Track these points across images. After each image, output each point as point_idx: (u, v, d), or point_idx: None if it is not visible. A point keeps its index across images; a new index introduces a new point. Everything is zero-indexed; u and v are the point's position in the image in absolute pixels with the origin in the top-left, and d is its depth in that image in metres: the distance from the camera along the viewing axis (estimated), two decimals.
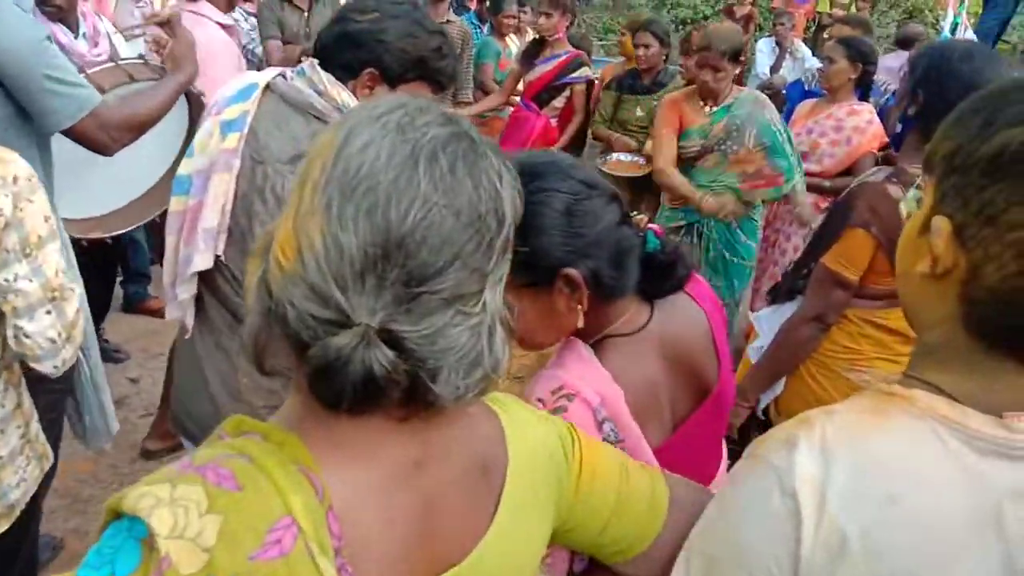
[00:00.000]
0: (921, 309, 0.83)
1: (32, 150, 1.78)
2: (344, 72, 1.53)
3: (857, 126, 3.50)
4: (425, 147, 0.64)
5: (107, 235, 2.27)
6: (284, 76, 1.57)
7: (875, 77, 3.70)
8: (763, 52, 6.94)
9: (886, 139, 3.52)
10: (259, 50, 4.46)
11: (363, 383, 0.61)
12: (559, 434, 0.88)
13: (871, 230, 1.85)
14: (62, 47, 2.88)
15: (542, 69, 4.59)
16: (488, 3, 5.94)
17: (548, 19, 4.41)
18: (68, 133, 1.79)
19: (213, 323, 1.60)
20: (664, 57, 4.27)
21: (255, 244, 0.70)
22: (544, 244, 1.05)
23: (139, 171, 2.27)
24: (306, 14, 4.41)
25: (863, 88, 3.64)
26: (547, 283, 1.07)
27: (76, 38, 2.86)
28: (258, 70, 5.33)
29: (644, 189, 4.23)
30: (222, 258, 1.51)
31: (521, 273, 0.90)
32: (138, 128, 1.93)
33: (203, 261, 1.51)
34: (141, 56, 2.30)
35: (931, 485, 0.72)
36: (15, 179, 1.30)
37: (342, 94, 1.51)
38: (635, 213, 1.21)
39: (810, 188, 3.60)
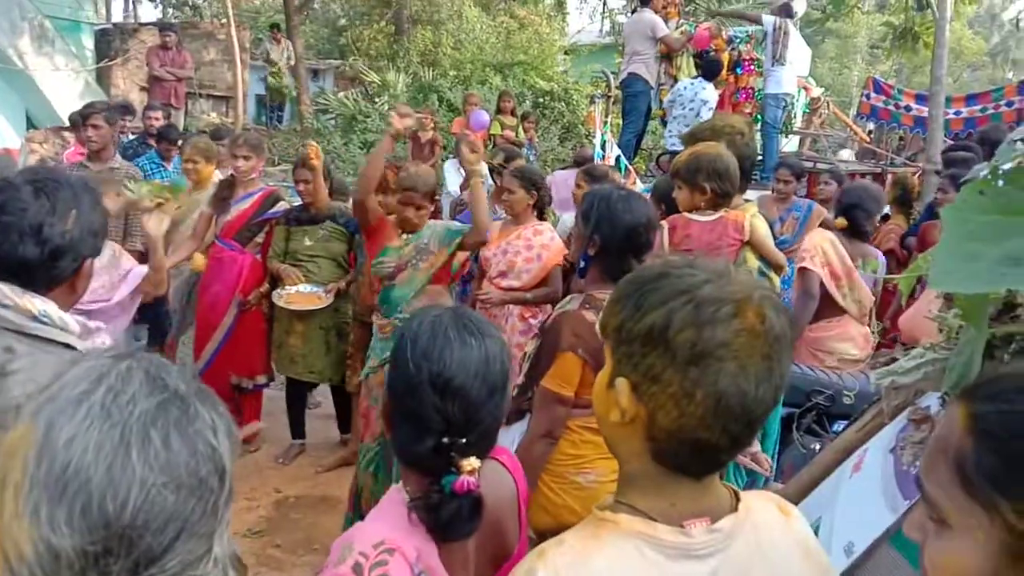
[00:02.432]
0: (618, 446, 1.04)
1: None
2: (55, 283, 1.46)
3: (544, 243, 3.97)
4: (135, 427, 0.63)
5: None
6: None
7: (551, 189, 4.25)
8: (450, 172, 7.54)
9: (567, 251, 4.04)
10: None
11: None
12: None
13: (578, 352, 2.14)
14: None
15: (239, 208, 4.55)
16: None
17: (247, 161, 4.42)
18: None
19: None
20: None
21: None
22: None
23: None
24: None
25: (539, 208, 4.14)
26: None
27: None
28: None
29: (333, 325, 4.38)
30: None
31: None
32: None
33: None
34: None
35: None
36: None
37: (35, 302, 1.41)
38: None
39: (515, 301, 3.98)
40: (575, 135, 11.57)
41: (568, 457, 2.23)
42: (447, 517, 1.17)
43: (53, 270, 1.45)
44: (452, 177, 7.41)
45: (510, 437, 2.28)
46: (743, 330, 0.92)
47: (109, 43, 13.26)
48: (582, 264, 2.27)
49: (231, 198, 4.54)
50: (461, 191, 7.22)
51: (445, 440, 1.19)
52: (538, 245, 3.98)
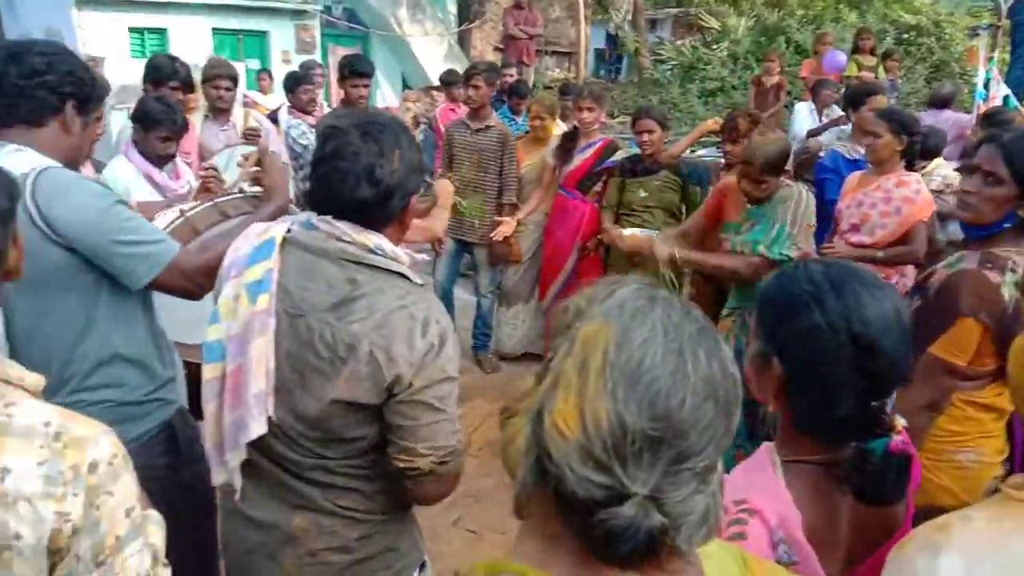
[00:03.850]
0: None
1: (130, 302, 1.84)
2: (388, 221, 1.57)
3: (906, 196, 3.52)
4: (686, 346, 0.73)
5: None
6: (294, 228, 1.58)
7: None
8: (801, 114, 6.98)
9: (935, 206, 3.56)
10: None
11: (646, 545, 0.69)
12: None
13: (980, 317, 1.89)
14: (158, 185, 3.12)
15: (580, 158, 4.74)
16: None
17: (591, 113, 4.59)
18: (150, 287, 1.81)
19: (264, 478, 1.60)
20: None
21: (525, 403, 0.77)
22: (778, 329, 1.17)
23: None
24: None
25: (909, 157, 3.68)
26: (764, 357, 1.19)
27: (161, 172, 3.11)
28: None
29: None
30: (273, 418, 1.51)
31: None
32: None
33: (258, 427, 1.50)
34: (241, 189, 2.33)
35: None
36: (93, 466, 1.06)
37: (370, 237, 1.53)
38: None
39: (863, 259, 3.62)
40: (946, 74, 10.10)
41: (947, 434, 2.01)
42: (890, 482, 1.11)
43: (386, 209, 1.55)
44: (801, 119, 6.87)
45: None
46: None
47: (469, 7, 14.48)
48: (1006, 225, 1.95)
49: (574, 148, 4.74)
50: (808, 136, 6.73)
51: (874, 403, 1.12)
52: (898, 198, 3.54)
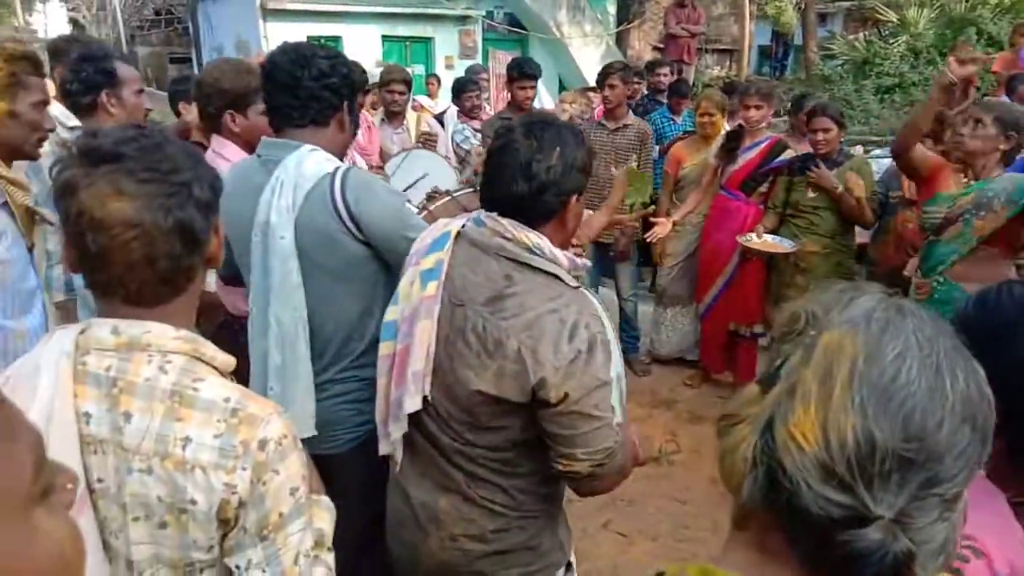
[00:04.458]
0: None
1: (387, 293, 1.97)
2: (545, 217, 1.58)
3: None
4: (944, 363, 0.68)
5: None
6: (467, 223, 1.65)
7: None
8: None
9: None
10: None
11: (891, 570, 0.65)
12: None
13: None
14: None
15: (746, 157, 4.56)
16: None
17: (759, 111, 4.42)
18: None
19: (419, 456, 1.69)
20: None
21: (751, 410, 0.74)
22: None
23: None
24: None
25: None
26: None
27: None
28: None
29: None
30: (429, 398, 1.59)
31: None
32: None
33: (413, 403, 1.58)
34: (472, 186, 2.57)
35: None
36: (262, 443, 1.09)
37: (530, 236, 1.55)
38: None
39: None
40: None
41: None
42: None
43: (540, 204, 1.56)
44: None
45: None
46: None
47: (628, 7, 14.37)
48: None
49: (739, 148, 4.57)
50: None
51: None
52: None
